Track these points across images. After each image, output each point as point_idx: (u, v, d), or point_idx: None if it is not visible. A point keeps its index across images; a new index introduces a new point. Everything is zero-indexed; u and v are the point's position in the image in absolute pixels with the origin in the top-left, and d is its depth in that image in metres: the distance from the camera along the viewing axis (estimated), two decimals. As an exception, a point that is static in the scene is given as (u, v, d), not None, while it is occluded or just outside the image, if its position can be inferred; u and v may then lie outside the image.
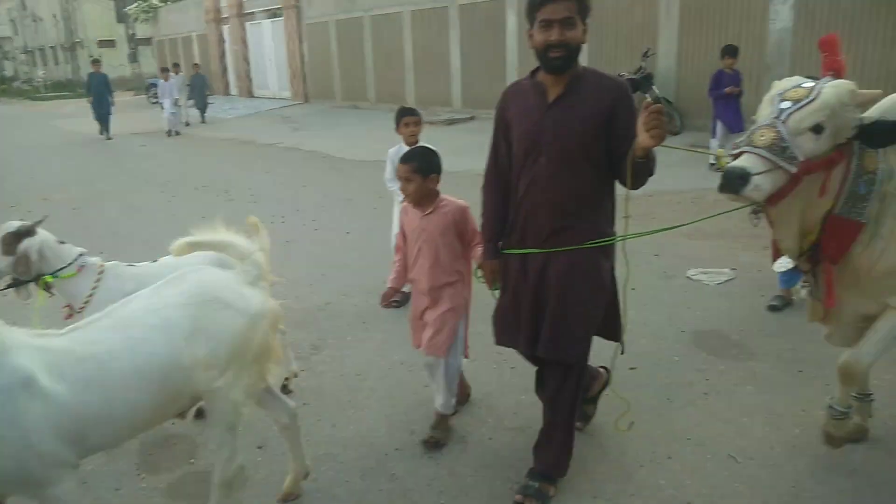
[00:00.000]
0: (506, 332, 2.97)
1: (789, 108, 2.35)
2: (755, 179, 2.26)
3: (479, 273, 3.10)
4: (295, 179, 10.55)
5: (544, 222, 2.67)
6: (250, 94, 25.48)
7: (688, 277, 5.25)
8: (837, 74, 2.59)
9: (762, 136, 2.33)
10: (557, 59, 2.50)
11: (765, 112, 2.43)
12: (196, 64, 20.83)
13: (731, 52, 8.48)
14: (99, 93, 15.97)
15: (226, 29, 26.21)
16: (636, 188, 2.55)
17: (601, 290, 2.77)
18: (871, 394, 3.16)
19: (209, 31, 27.04)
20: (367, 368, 4.24)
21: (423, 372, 4.11)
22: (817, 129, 2.33)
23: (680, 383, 3.81)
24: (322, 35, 20.53)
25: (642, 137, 2.31)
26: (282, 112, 20.60)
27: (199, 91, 18.81)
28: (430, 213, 3.26)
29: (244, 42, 25.25)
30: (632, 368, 4.01)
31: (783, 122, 2.33)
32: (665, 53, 11.73)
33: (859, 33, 9.31)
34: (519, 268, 2.81)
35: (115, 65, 37.69)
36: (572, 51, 2.50)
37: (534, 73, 2.70)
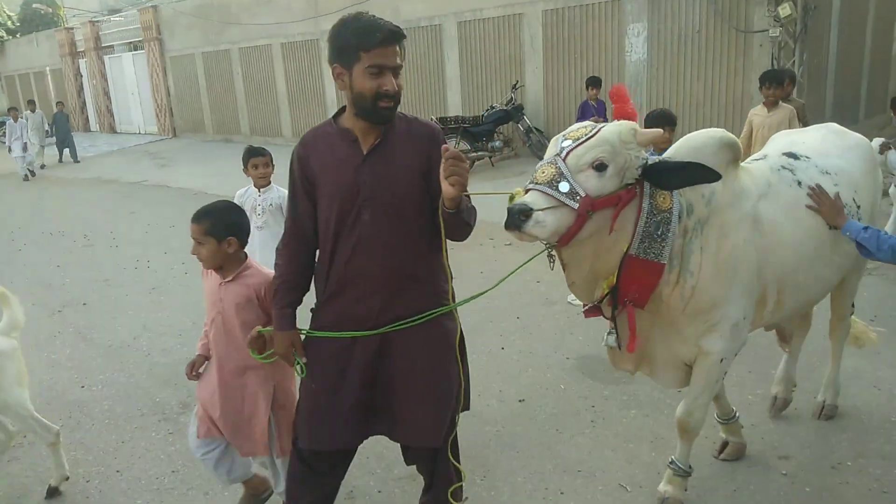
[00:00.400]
0: (321, 430, 2.42)
1: (569, 145, 2.30)
2: (537, 215, 2.17)
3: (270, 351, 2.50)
4: (163, 219, 9.91)
5: (378, 288, 2.30)
6: (112, 130, 24.02)
7: (568, 303, 5.33)
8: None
9: (543, 172, 2.27)
10: (388, 109, 2.20)
11: (550, 151, 2.38)
12: (59, 102, 19.17)
13: (594, 83, 8.78)
14: None
15: (83, 63, 24.64)
16: (460, 240, 2.32)
17: (454, 357, 2.44)
18: (734, 412, 3.23)
19: (64, 65, 25.31)
20: (243, 425, 3.92)
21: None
22: (599, 166, 2.26)
23: (567, 412, 3.79)
24: (188, 67, 19.72)
25: (444, 187, 2.11)
26: (148, 148, 19.52)
27: (62, 131, 17.29)
28: (230, 280, 2.73)
29: (104, 76, 23.81)
30: (521, 401, 3.98)
31: (563, 159, 2.27)
32: (532, 85, 12.17)
33: (706, 63, 10.07)
34: (338, 349, 2.36)
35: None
36: (399, 101, 2.23)
37: (336, 116, 2.35)
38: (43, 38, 26.68)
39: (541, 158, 2.48)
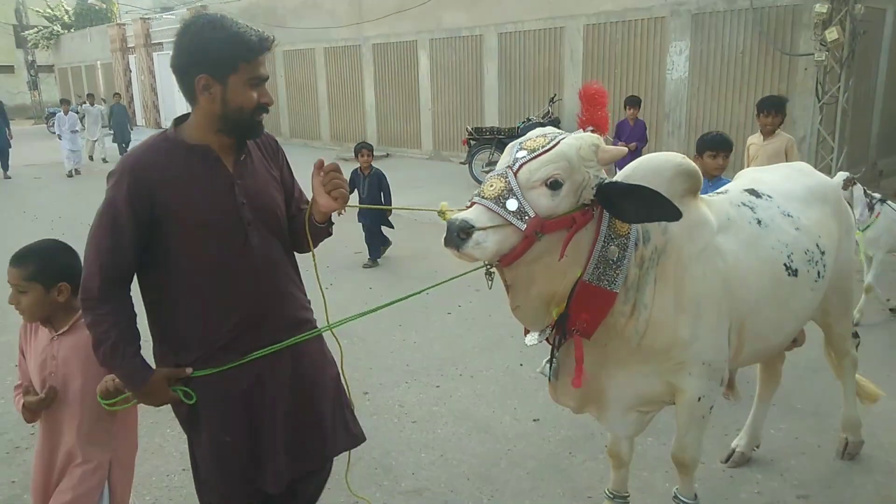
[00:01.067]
0: (236, 478, 2.16)
1: (524, 157, 2.06)
2: (477, 236, 1.94)
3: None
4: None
5: (279, 311, 2.14)
6: (158, 126, 24.56)
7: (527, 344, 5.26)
8: (598, 129, 2.36)
9: (492, 186, 2.03)
10: (262, 123, 2.05)
11: (503, 160, 2.14)
12: (116, 94, 19.05)
13: (633, 102, 8.48)
14: None
15: (132, 58, 25.29)
16: (308, 251, 2.27)
17: (336, 372, 2.39)
18: (627, 495, 2.97)
19: (115, 60, 26.02)
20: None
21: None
22: (554, 184, 2.03)
23: (582, 436, 3.73)
24: (233, 68, 20.10)
25: (324, 201, 2.02)
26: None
27: (120, 123, 16.61)
28: (65, 332, 2.30)
29: (151, 72, 24.40)
30: (535, 420, 3.93)
31: (515, 172, 2.04)
32: (570, 99, 12.08)
33: (749, 85, 9.88)
34: (228, 390, 2.09)
35: (14, 92, 35.60)
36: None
37: (176, 132, 2.05)
38: (96, 34, 27.48)
39: None
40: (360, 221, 7.36)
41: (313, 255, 2.19)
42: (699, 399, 2.48)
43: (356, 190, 7.17)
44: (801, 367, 4.18)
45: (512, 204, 1.99)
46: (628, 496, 2.93)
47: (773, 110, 5.26)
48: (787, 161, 4.94)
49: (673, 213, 2.05)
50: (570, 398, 2.54)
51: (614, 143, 8.56)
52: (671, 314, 2.34)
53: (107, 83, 26.86)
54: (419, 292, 2.52)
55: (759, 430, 3.47)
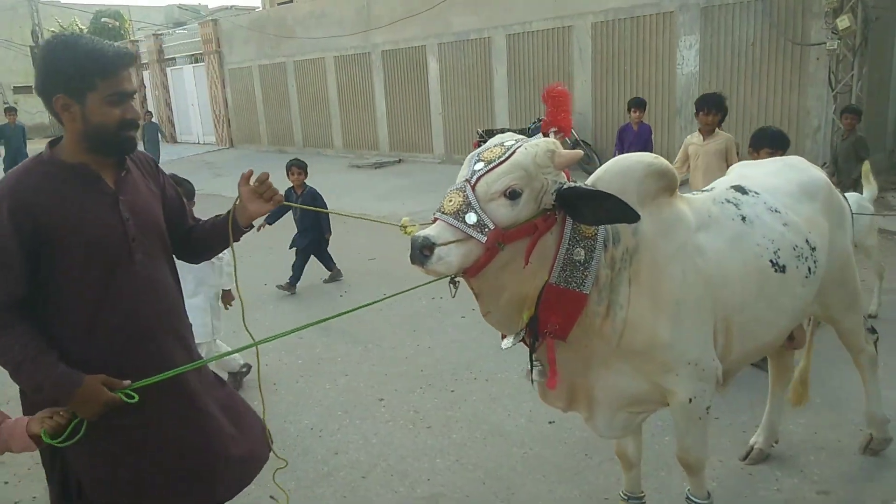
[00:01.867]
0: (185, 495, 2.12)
1: (481, 169, 2.08)
2: (440, 251, 1.98)
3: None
4: (213, 229, 10.16)
5: (167, 330, 2.09)
6: (174, 140, 24.82)
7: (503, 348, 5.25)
8: (561, 131, 2.35)
9: (450, 201, 2.06)
10: (132, 139, 2.01)
11: (462, 173, 2.15)
12: (148, 112, 18.60)
13: (637, 105, 7.68)
14: (16, 147, 14.46)
15: (146, 74, 25.61)
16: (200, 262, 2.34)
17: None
18: (642, 495, 2.96)
19: (129, 76, 26.37)
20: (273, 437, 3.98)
21: (333, 437, 3.90)
22: (512, 194, 2.05)
23: (598, 437, 3.69)
24: (245, 80, 20.27)
25: (256, 207, 2.12)
26: (205, 157, 20.09)
27: (153, 142, 16.35)
28: None
29: (165, 87, 24.70)
30: (551, 422, 3.91)
31: (472, 186, 2.06)
32: (580, 98, 12.04)
33: (760, 77, 9.78)
34: (173, 405, 2.07)
35: (33, 112, 36.21)
36: (138, 127, 2.08)
37: (52, 153, 1.99)
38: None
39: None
40: (292, 248, 6.97)
41: (235, 261, 2.24)
42: (690, 400, 2.45)
43: (290, 211, 6.64)
44: (819, 360, 4.11)
45: (471, 218, 2.02)
46: (643, 496, 2.91)
47: (713, 108, 5.05)
48: (727, 162, 4.89)
49: (631, 216, 2.07)
50: (557, 398, 2.55)
51: (616, 150, 8.38)
52: (648, 314, 2.33)
53: (122, 99, 27.21)
54: (374, 302, 2.52)
55: (777, 426, 3.42)
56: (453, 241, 2.01)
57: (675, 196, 2.46)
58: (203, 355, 3.92)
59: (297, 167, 6.81)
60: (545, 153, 2.12)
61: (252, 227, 2.24)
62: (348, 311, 2.44)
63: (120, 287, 1.98)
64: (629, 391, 2.48)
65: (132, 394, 1.91)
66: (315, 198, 6.83)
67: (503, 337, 2.40)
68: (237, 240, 2.21)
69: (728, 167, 4.92)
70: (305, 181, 6.87)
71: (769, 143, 4.13)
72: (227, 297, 4.53)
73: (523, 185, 2.07)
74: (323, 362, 4.99)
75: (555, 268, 2.18)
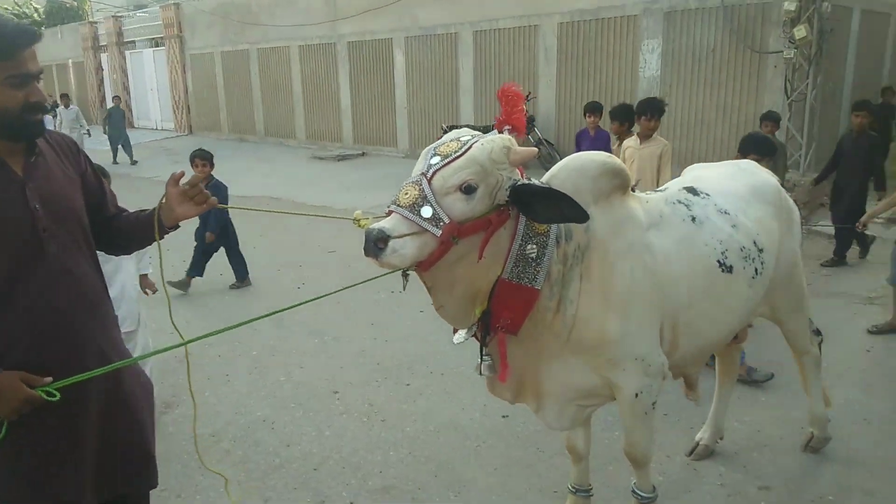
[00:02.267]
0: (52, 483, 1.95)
1: (437, 163, 2.10)
2: (394, 244, 2.00)
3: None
4: (170, 217, 9.95)
5: (84, 330, 1.97)
6: (130, 125, 24.12)
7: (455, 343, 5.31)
8: (515, 129, 2.35)
9: (406, 194, 2.07)
10: (39, 122, 1.91)
11: (418, 166, 2.17)
12: (116, 97, 17.66)
13: (593, 109, 7.25)
14: None
15: (104, 57, 24.91)
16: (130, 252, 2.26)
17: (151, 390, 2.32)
18: (590, 487, 3.00)
19: (86, 58, 25.57)
20: (223, 428, 3.93)
21: (285, 429, 3.88)
22: (468, 189, 2.07)
23: (550, 431, 3.73)
24: (207, 66, 19.88)
25: (185, 209, 2.03)
26: (164, 144, 19.66)
27: (118, 127, 15.39)
28: None
29: (124, 71, 24.05)
30: (504, 416, 3.94)
31: (429, 179, 2.07)
32: (545, 97, 12.14)
33: (720, 82, 9.99)
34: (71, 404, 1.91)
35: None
36: (46, 110, 1.96)
37: None
38: (67, 32, 27.00)
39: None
40: (196, 241, 6.58)
41: (161, 262, 2.19)
42: (636, 395, 2.51)
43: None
44: (765, 360, 4.25)
45: (427, 211, 2.04)
46: (591, 489, 2.95)
47: (655, 114, 5.15)
48: (660, 166, 5.02)
49: (580, 216, 2.11)
50: (504, 389, 2.58)
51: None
52: (598, 309, 2.38)
53: (78, 82, 26.42)
54: (352, 286, 2.51)
55: (723, 423, 3.51)
56: (408, 234, 2.02)
57: (627, 195, 2.51)
58: (134, 344, 3.82)
59: (201, 158, 6.40)
60: (501, 149, 2.14)
61: (178, 227, 2.14)
62: (296, 305, 2.42)
63: (29, 281, 1.86)
64: (578, 385, 2.53)
65: (53, 392, 1.79)
66: (219, 189, 6.39)
67: (455, 331, 2.42)
68: (161, 238, 2.13)
69: (659, 172, 5.06)
70: (212, 173, 6.48)
71: (754, 148, 4.16)
72: (145, 282, 4.34)
73: (479, 181, 2.08)
74: (277, 354, 4.93)
75: (508, 263, 2.21)
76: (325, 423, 3.93)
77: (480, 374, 2.46)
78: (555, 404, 2.58)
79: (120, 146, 15.86)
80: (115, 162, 15.67)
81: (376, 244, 1.99)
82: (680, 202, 2.72)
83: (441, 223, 2.03)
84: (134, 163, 15.69)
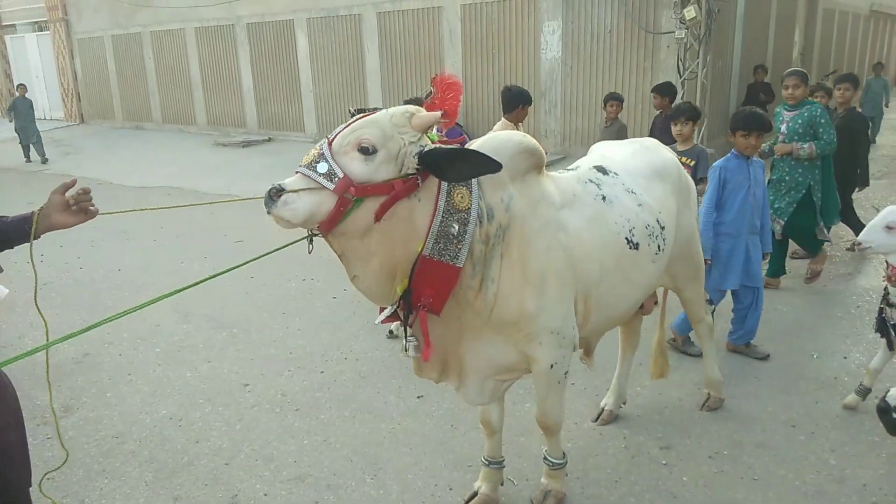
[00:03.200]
0: None
1: (341, 129, 2.19)
2: (287, 197, 2.07)
3: None
4: (62, 211, 9.36)
5: None
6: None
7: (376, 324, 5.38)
8: (447, 116, 2.39)
9: (309, 155, 2.16)
10: None
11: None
12: (21, 85, 15.27)
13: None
14: (27, 120, 12.99)
15: (-20, 41, 23.05)
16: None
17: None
18: (502, 459, 3.04)
19: (-41, 42, 23.60)
20: (128, 429, 3.77)
21: (194, 426, 3.77)
22: (365, 150, 2.12)
23: (464, 408, 3.78)
24: (97, 50, 18.72)
25: (62, 219, 2.02)
26: (53, 134, 18.39)
27: (27, 119, 13.92)
28: None
29: (5, 57, 22.33)
30: (419, 397, 3.97)
31: (330, 141, 2.17)
32: (453, 78, 12.16)
33: (617, 62, 10.32)
34: None
35: None
36: None
37: None
38: (-66, 14, 24.76)
39: None
40: None
41: (34, 266, 2.12)
42: (551, 366, 2.61)
43: None
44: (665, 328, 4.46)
45: (322, 167, 2.10)
46: (503, 460, 3.03)
47: (530, 103, 5.30)
48: None
49: (493, 166, 2.16)
50: (430, 370, 2.62)
51: None
52: (518, 287, 2.44)
53: (-49, 68, 24.34)
54: (256, 258, 2.45)
55: (625, 389, 3.68)
56: (304, 189, 2.09)
57: (542, 174, 2.58)
58: None
59: None
60: (402, 114, 2.19)
61: (38, 237, 2.05)
62: (178, 291, 2.33)
63: None
64: (498, 360, 2.60)
65: None
66: None
67: (381, 311, 2.45)
68: (15, 244, 2.08)
69: None
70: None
71: (742, 125, 4.02)
72: None
73: (377, 143, 2.14)
74: (183, 349, 4.76)
75: (428, 240, 2.23)
76: (235, 417, 3.84)
77: (406, 354, 2.49)
78: (476, 381, 2.65)
79: (32, 144, 14.10)
80: (28, 160, 14.07)
81: (271, 197, 2.07)
82: (591, 181, 2.81)
83: (335, 178, 2.08)
84: (45, 161, 14.05)
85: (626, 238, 2.76)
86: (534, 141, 2.53)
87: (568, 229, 2.55)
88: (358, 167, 2.12)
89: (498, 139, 2.49)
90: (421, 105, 2.36)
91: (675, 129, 4.76)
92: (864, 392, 3.62)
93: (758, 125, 3.98)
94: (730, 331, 4.38)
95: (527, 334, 2.53)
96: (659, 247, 2.92)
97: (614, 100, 7.21)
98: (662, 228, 2.95)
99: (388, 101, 12.75)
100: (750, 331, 4.30)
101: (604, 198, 2.76)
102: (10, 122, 14.35)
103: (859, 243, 3.41)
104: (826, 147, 5.08)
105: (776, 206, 5.25)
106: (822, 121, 5.10)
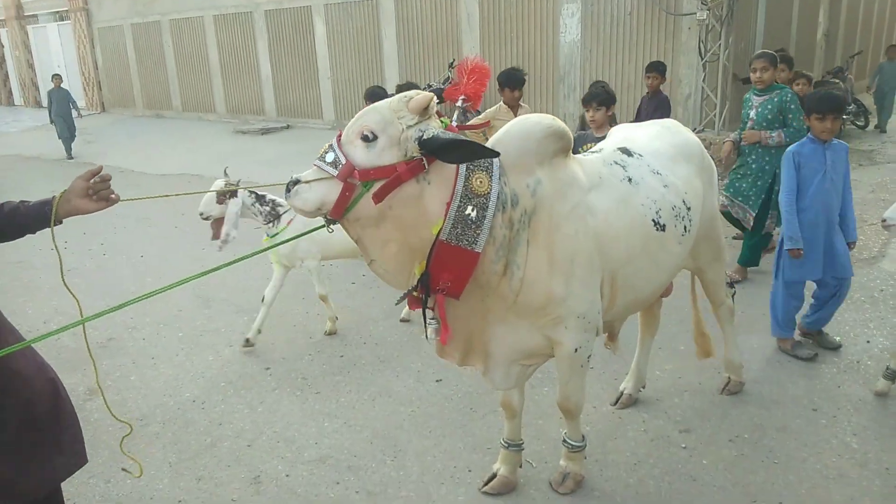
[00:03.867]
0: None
1: (350, 123, 2.30)
2: (298, 187, 2.25)
3: None
4: (85, 199, 9.48)
5: None
6: (38, 104, 22.83)
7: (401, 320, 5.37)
8: (470, 100, 2.47)
9: (322, 149, 2.30)
10: None
11: None
12: (56, 75, 14.23)
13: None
14: (64, 110, 12.87)
15: (4, 32, 23.30)
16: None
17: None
18: (521, 442, 3.04)
19: (-17, 33, 23.91)
20: (152, 412, 3.83)
21: (216, 408, 3.83)
22: (366, 137, 2.21)
23: (483, 391, 3.82)
24: (117, 39, 18.87)
25: (84, 204, 2.02)
26: (76, 124, 18.66)
27: (63, 114, 13.19)
28: None
29: (27, 47, 22.59)
30: (438, 381, 4.00)
31: (339, 134, 2.30)
32: (471, 62, 12.09)
33: (638, 45, 10.19)
34: None
35: None
36: None
37: None
38: (-42, 5, 25.08)
39: None
40: None
41: (57, 250, 2.17)
42: (576, 350, 2.61)
43: None
44: (685, 311, 4.42)
45: (329, 157, 2.25)
46: (522, 443, 3.04)
47: (518, 85, 5.45)
48: None
49: (489, 153, 2.24)
50: (452, 352, 2.63)
51: None
52: (545, 272, 2.43)
53: (-25, 59, 24.67)
54: (226, 264, 2.46)
55: (644, 373, 3.66)
56: (315, 180, 2.24)
57: (569, 157, 2.57)
58: None
59: None
60: (399, 99, 2.26)
61: (61, 222, 2.07)
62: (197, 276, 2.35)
63: None
64: (524, 345, 2.60)
65: None
66: None
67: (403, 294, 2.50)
68: (37, 229, 2.10)
69: None
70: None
71: (816, 108, 3.81)
72: None
73: (377, 129, 2.21)
74: (206, 334, 4.82)
75: (446, 224, 2.25)
76: (257, 400, 3.89)
77: (427, 337, 2.53)
78: (502, 365, 2.66)
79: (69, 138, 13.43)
80: (70, 157, 13.40)
81: (288, 189, 2.27)
82: (616, 163, 2.80)
83: (340, 165, 2.21)
84: (70, 157, 13.45)
85: (653, 220, 2.74)
86: (562, 124, 2.52)
87: (596, 212, 2.55)
88: (361, 154, 2.21)
89: (528, 123, 2.49)
90: (376, 94, 2.52)
91: (588, 116, 4.52)
92: (893, 376, 3.58)
93: (833, 107, 3.77)
94: (805, 314, 4.20)
95: (553, 319, 2.53)
96: (685, 228, 2.89)
97: (655, 70, 6.60)
98: (688, 209, 2.92)
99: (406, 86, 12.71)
100: (823, 319, 4.13)
101: (630, 179, 2.75)
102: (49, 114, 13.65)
103: (884, 220, 3.36)
104: (796, 135, 4.75)
105: (746, 194, 5.09)
106: (793, 107, 4.90)
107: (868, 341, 4.23)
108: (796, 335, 4.18)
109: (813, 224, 3.88)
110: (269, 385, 4.06)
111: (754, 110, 5.08)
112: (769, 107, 4.98)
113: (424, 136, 2.21)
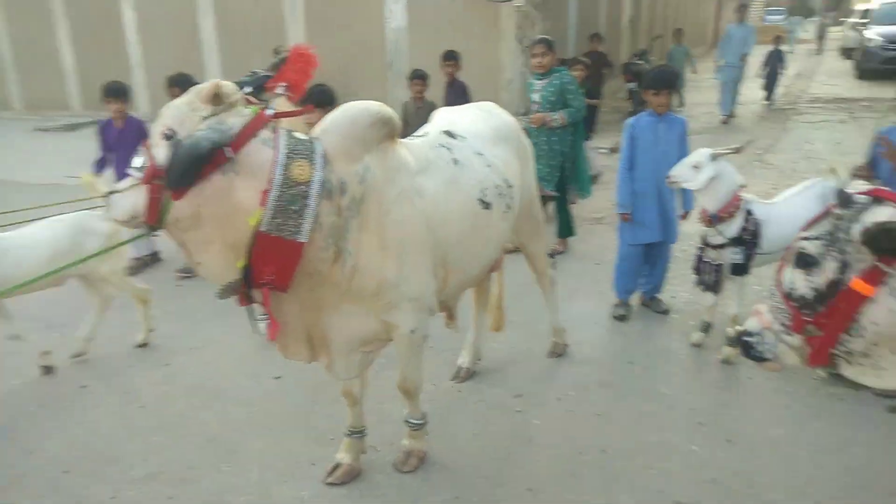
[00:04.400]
0: None
1: (154, 124, 2.29)
2: (113, 198, 2.23)
3: None
4: None
5: None
6: None
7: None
8: (292, 89, 2.46)
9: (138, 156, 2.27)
10: None
11: None
12: None
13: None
14: None
15: None
16: None
17: None
18: (363, 428, 3.06)
19: None
20: None
21: (25, 436, 3.45)
22: (167, 136, 2.18)
23: (325, 382, 3.71)
24: None
25: None
26: None
27: None
28: None
29: None
30: (277, 378, 3.88)
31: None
32: (297, 50, 11.77)
33: (462, 31, 10.44)
34: None
35: None
36: None
37: None
38: None
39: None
40: None
41: None
42: (412, 332, 2.65)
43: None
44: (515, 285, 4.63)
45: (137, 162, 2.22)
46: (365, 429, 3.05)
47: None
48: None
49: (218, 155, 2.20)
50: (297, 350, 2.60)
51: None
52: (377, 258, 2.44)
53: None
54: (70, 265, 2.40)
55: (480, 346, 3.80)
56: (129, 188, 2.21)
57: (396, 143, 2.57)
58: None
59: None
60: (192, 92, 2.22)
61: None
62: None
63: None
64: (361, 332, 2.60)
65: None
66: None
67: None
68: None
69: None
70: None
71: (651, 84, 4.12)
72: None
73: (176, 125, 2.19)
74: (8, 356, 4.30)
75: (265, 214, 2.18)
76: (73, 422, 3.55)
77: (257, 332, 2.49)
78: (342, 355, 2.64)
79: None
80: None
81: (107, 202, 2.23)
82: (442, 146, 2.85)
83: (144, 169, 2.19)
84: None
85: (480, 199, 2.83)
86: (389, 110, 2.53)
87: (425, 194, 2.58)
88: (163, 154, 2.17)
89: (355, 109, 2.48)
90: (181, 81, 2.49)
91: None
92: (706, 328, 3.97)
93: (666, 83, 4.11)
94: (640, 283, 4.50)
95: (387, 303, 2.54)
96: (508, 205, 3.02)
97: (452, 59, 6.63)
98: (510, 187, 3.05)
99: (228, 75, 12.06)
100: (657, 285, 4.49)
101: (456, 161, 2.81)
102: None
103: (668, 177, 3.76)
104: (576, 115, 5.23)
105: (541, 174, 5.29)
106: (572, 87, 5.27)
107: (673, 297, 4.67)
108: (635, 302, 4.50)
109: (645, 191, 4.20)
110: (88, 404, 3.72)
111: (538, 93, 5.35)
112: (550, 89, 5.27)
113: (177, 137, 2.17)
